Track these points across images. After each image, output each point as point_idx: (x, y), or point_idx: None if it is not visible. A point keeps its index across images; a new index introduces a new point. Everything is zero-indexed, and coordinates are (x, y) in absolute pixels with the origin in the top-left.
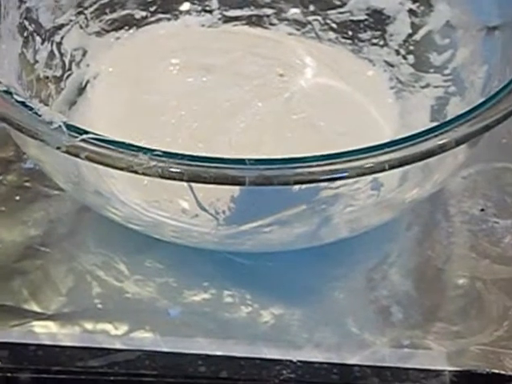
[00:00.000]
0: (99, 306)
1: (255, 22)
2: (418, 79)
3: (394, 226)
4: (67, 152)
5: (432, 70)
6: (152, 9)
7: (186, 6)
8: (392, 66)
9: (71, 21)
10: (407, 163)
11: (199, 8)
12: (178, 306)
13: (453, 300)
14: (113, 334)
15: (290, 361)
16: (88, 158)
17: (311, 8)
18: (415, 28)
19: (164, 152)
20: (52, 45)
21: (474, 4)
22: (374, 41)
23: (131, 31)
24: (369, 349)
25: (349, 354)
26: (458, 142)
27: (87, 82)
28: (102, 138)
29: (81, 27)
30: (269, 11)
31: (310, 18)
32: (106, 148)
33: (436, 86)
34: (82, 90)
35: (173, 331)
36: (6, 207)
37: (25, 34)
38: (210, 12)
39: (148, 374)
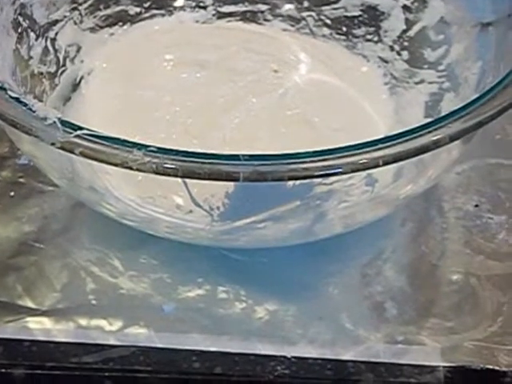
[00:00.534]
0: (93, 301)
1: (249, 17)
2: (412, 75)
3: (389, 222)
4: (61, 148)
5: (426, 66)
6: (146, 5)
7: (180, 2)
8: (386, 61)
9: (65, 17)
10: (401, 159)
11: (193, 4)
12: (173, 301)
13: (447, 296)
14: (107, 329)
15: (285, 357)
16: (82, 154)
17: (305, 4)
18: (409, 24)
19: (158, 148)
20: (46, 41)
21: (468, 0)
22: (369, 37)
23: (125, 27)
24: (363, 345)
25: (343, 350)
26: (452, 138)
27: (81, 77)
28: (97, 134)
29: (75, 23)
30: (263, 7)
31: (305, 13)
32: (101, 144)
33: (430, 82)
34: (76, 85)
35: (167, 327)
36: (0, 203)
37: (19, 30)
38: (204, 8)
39: (142, 370)
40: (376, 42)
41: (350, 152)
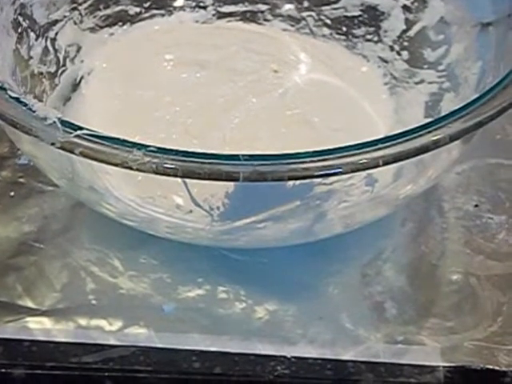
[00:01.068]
0: (93, 301)
1: (249, 17)
2: (412, 75)
3: (389, 222)
4: (62, 148)
5: (426, 66)
6: (146, 5)
7: (180, 2)
8: (386, 61)
9: (65, 17)
10: (401, 159)
11: (193, 4)
12: (173, 301)
13: (447, 296)
14: (107, 329)
15: (285, 357)
16: (82, 154)
17: (305, 4)
18: (409, 24)
19: (158, 148)
20: (46, 41)
21: (468, 0)
22: (368, 37)
23: (125, 27)
24: (363, 344)
25: (343, 350)
26: (452, 138)
27: (81, 77)
28: (97, 134)
29: (75, 23)
30: (263, 7)
31: (305, 13)
32: (101, 144)
33: (430, 82)
34: (76, 85)
35: (167, 327)
36: (0, 203)
37: (19, 30)
38: (204, 8)
39: (142, 370)
40: (376, 42)
41: (350, 152)
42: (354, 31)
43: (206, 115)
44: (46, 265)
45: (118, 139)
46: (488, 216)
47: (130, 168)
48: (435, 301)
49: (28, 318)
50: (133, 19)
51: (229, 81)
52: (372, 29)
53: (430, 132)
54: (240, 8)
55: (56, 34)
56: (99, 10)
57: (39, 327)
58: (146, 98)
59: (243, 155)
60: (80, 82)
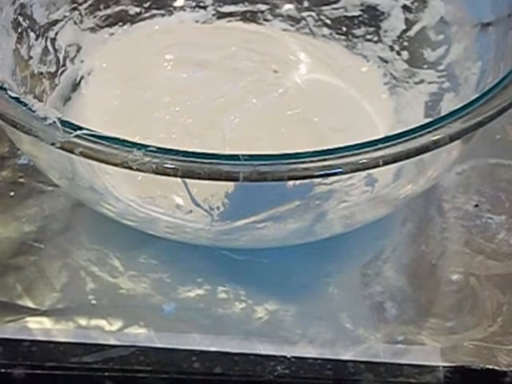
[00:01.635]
0: (93, 301)
1: (249, 17)
2: (412, 75)
3: (389, 222)
4: (62, 148)
5: (426, 66)
6: (146, 5)
7: (180, 2)
8: (386, 61)
9: (65, 17)
10: (401, 159)
11: (193, 4)
12: (172, 301)
13: (447, 296)
14: (107, 329)
15: (284, 357)
16: (82, 154)
17: (305, 4)
18: (409, 24)
19: (158, 148)
20: (46, 41)
21: (468, 0)
22: (368, 37)
23: (125, 27)
24: (363, 344)
25: (343, 350)
26: (452, 138)
27: (81, 77)
28: (97, 134)
29: (75, 23)
30: (263, 7)
31: (304, 13)
32: (101, 144)
33: (430, 82)
34: (76, 85)
35: (167, 327)
36: (0, 203)
37: (19, 30)
38: (204, 8)
39: (142, 370)
40: (376, 42)
41: (350, 152)
42: (354, 31)
43: (206, 115)
44: (45, 265)
45: (117, 139)
46: (488, 216)
47: (130, 168)
48: (435, 301)
49: (28, 318)
50: (133, 19)
51: (229, 81)
52: (372, 29)
53: (430, 132)
54: (240, 8)
55: (56, 34)
56: (99, 9)
57: (39, 327)
58: (145, 98)
59: (243, 155)
60: (80, 82)
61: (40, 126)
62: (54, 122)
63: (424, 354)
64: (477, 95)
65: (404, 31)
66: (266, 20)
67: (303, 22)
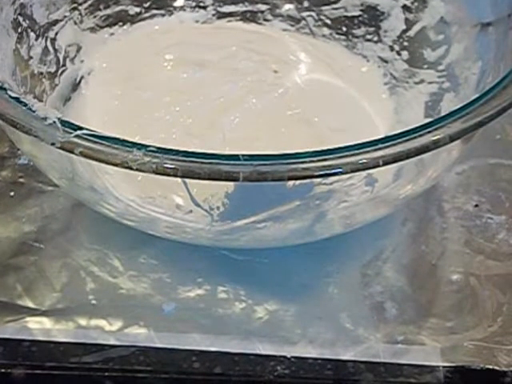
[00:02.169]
0: (93, 301)
1: (249, 17)
2: (412, 75)
3: (389, 222)
4: (62, 148)
5: (426, 66)
6: (146, 5)
7: (180, 2)
8: (386, 61)
9: (65, 17)
10: (401, 159)
11: (193, 4)
12: (172, 301)
13: (447, 296)
14: (107, 329)
15: (284, 357)
16: (82, 154)
17: (305, 4)
18: (409, 24)
19: (158, 148)
20: (46, 41)
21: (468, 0)
22: (368, 37)
23: (125, 27)
24: (363, 344)
25: (343, 350)
26: (452, 138)
27: (81, 77)
28: (97, 134)
29: (75, 23)
30: (263, 7)
31: (304, 13)
32: (101, 144)
33: (430, 82)
34: (76, 85)
35: (167, 327)
36: (0, 203)
37: (19, 30)
38: (204, 8)
39: (142, 370)
40: (376, 42)
41: (350, 152)
42: (354, 31)
43: (205, 115)
44: (45, 265)
45: (117, 139)
46: (488, 216)
47: (130, 168)
48: (435, 301)
49: (28, 318)
50: (133, 19)
51: (229, 81)
52: (372, 29)
53: (430, 132)
54: (240, 8)
55: (56, 34)
56: (99, 9)
57: (39, 327)
58: (145, 98)
59: (243, 155)
60: (80, 81)
61: (40, 126)
62: (54, 122)
63: (424, 354)
64: (477, 95)
65: (404, 31)
66: (265, 20)
67: (303, 22)
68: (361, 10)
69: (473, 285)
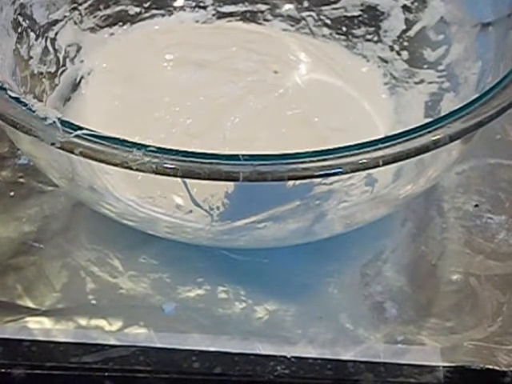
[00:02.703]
0: (93, 301)
1: (249, 17)
2: (412, 75)
3: (389, 222)
4: (61, 148)
5: (426, 66)
6: (146, 5)
7: (180, 2)
8: (386, 61)
9: (65, 17)
10: (401, 159)
11: (193, 4)
12: (172, 301)
13: (447, 296)
14: (107, 329)
15: (284, 357)
16: (82, 154)
17: (305, 4)
18: (409, 24)
19: (158, 148)
20: (46, 41)
21: (468, 0)
22: (368, 37)
23: (125, 27)
24: (363, 344)
25: (343, 350)
26: (452, 138)
27: (81, 77)
28: (97, 134)
29: (75, 23)
30: (263, 7)
31: (304, 13)
32: (101, 144)
33: (430, 82)
34: (76, 85)
35: (167, 327)
36: (0, 203)
37: (19, 30)
38: (204, 8)
39: (142, 370)
40: (376, 42)
41: (350, 152)
42: (354, 31)
43: (205, 115)
44: (45, 265)
45: (117, 139)
46: (488, 216)
47: (130, 168)
48: (435, 301)
49: (28, 318)
50: (133, 19)
51: (229, 81)
52: (372, 29)
53: (430, 132)
54: (240, 8)
55: (56, 34)
56: (99, 10)
57: (39, 327)
58: (145, 98)
59: (243, 155)
60: (80, 81)
61: (40, 126)
62: (54, 121)
63: (424, 354)
64: (477, 95)
65: (404, 31)
66: (265, 20)
67: (303, 22)
68: (361, 10)
69: (473, 285)
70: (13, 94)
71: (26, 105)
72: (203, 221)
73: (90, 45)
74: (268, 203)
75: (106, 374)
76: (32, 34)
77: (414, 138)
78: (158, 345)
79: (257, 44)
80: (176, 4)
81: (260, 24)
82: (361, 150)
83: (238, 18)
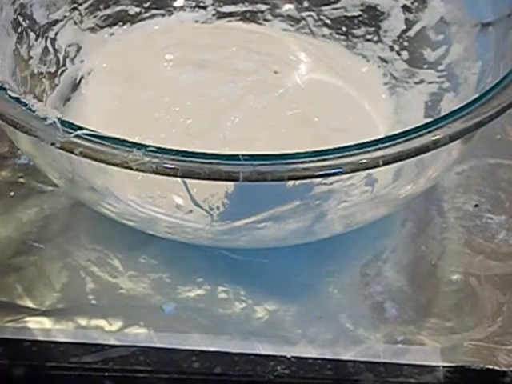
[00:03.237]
0: (93, 301)
1: (249, 17)
2: (412, 75)
3: (389, 222)
4: (62, 148)
5: (426, 66)
6: (146, 5)
7: (180, 2)
8: (386, 61)
9: (65, 17)
10: (401, 159)
11: (193, 4)
12: (172, 301)
13: (447, 296)
14: (107, 329)
15: (284, 357)
16: (82, 154)
17: (305, 4)
18: (409, 24)
19: (158, 148)
20: (46, 41)
21: (468, 0)
22: (368, 37)
23: (125, 27)
24: (363, 344)
25: (343, 350)
26: (452, 138)
27: (81, 77)
28: (97, 134)
29: (75, 23)
30: (263, 7)
31: (304, 13)
32: (101, 144)
33: (430, 82)
34: (76, 85)
35: (167, 327)
36: (0, 203)
37: (19, 30)
38: (204, 8)
39: (142, 370)
40: (376, 42)
41: (350, 152)
42: (354, 31)
43: (205, 115)
44: (46, 265)
45: (117, 139)
46: (488, 216)
47: (130, 168)
48: (435, 301)
49: (28, 318)
50: (133, 19)
51: (229, 81)
52: (372, 29)
53: (430, 132)
54: (240, 8)
55: (56, 34)
56: (99, 10)
57: (39, 327)
58: (145, 98)
59: (243, 155)
60: (80, 81)
61: (40, 126)
62: (54, 122)
63: (424, 353)
64: (477, 95)
65: (404, 31)
66: (265, 20)
67: (303, 22)
68: (361, 10)
69: (473, 285)
70: (13, 94)
71: (25, 105)
72: (203, 221)
73: (90, 45)
74: (268, 203)
75: (106, 374)
76: (32, 34)
77: (414, 138)
78: (158, 345)
79: (257, 44)
80: (176, 4)
81: (260, 24)
82: (361, 150)
83: (238, 17)
